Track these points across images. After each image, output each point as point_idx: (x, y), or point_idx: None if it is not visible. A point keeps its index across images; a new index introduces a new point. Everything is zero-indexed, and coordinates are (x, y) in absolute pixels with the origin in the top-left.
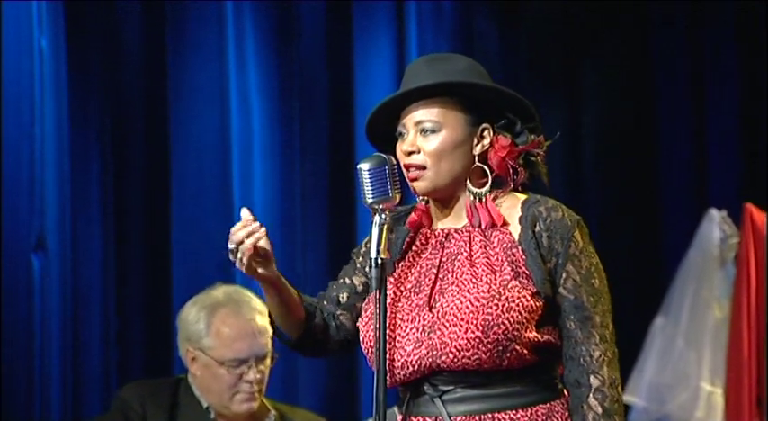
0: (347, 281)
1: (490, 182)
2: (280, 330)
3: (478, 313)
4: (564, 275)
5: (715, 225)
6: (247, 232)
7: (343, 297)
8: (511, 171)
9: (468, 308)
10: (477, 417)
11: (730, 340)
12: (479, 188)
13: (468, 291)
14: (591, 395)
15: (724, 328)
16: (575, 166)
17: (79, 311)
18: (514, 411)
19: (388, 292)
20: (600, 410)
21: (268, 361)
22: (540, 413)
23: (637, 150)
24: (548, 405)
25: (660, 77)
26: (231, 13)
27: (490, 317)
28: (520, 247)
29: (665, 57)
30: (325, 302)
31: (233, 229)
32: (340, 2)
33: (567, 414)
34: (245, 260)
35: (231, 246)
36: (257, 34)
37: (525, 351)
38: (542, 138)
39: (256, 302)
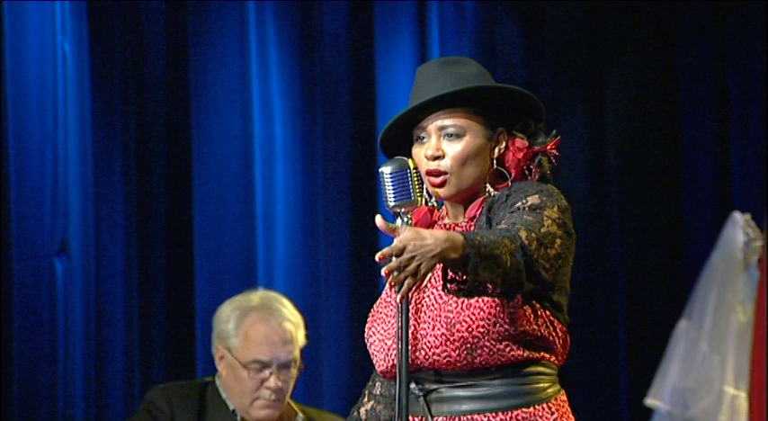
0: None
1: (510, 185)
2: None
3: (441, 310)
4: (503, 217)
5: (738, 228)
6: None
7: None
8: (526, 172)
9: (433, 305)
10: (457, 418)
11: (754, 343)
12: (499, 191)
13: (437, 289)
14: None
15: (748, 332)
16: (598, 169)
17: (102, 315)
18: (494, 414)
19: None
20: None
21: (293, 371)
22: (519, 417)
23: (660, 153)
24: (530, 409)
25: (685, 80)
26: (253, 16)
27: (451, 315)
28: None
29: (689, 59)
30: None
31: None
32: (362, 2)
33: (551, 419)
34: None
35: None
36: (279, 36)
37: (499, 346)
38: (560, 139)
39: (290, 311)
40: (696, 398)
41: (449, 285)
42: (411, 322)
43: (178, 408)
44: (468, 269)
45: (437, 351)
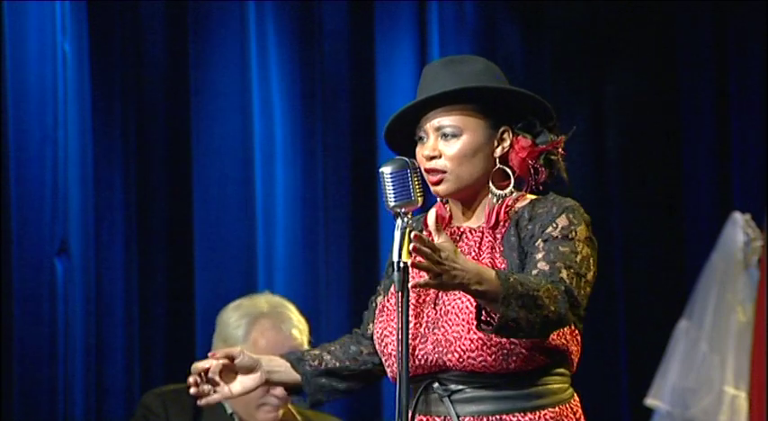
0: (369, 327)
1: (512, 183)
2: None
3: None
4: (536, 241)
5: (738, 228)
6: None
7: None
8: (532, 171)
9: (467, 308)
10: (485, 418)
11: (754, 343)
12: (502, 190)
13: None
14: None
15: (748, 332)
16: (598, 169)
17: (102, 315)
18: (522, 414)
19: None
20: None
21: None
22: (548, 417)
23: (661, 153)
24: (556, 409)
25: (685, 80)
26: (253, 16)
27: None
28: (505, 244)
29: (689, 60)
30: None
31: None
32: (362, 2)
33: (575, 418)
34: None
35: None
36: (279, 36)
37: (532, 353)
38: (563, 138)
39: (298, 318)
40: (696, 398)
41: (483, 325)
42: (440, 324)
43: (173, 413)
44: (498, 303)
45: (472, 355)
